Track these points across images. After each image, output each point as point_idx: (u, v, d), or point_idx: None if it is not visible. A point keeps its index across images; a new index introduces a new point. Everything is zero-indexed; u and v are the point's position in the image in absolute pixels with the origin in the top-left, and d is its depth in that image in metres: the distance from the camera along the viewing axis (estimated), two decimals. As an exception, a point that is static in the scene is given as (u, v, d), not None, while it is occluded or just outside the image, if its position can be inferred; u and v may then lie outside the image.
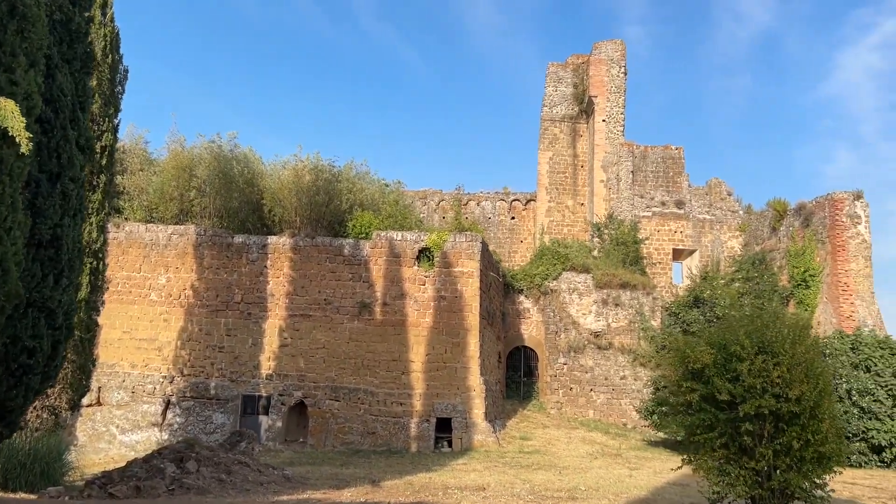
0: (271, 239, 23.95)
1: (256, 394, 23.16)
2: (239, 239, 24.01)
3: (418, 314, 23.18)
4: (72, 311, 12.46)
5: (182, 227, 24.25)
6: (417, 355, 22.94)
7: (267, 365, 23.29)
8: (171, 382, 23.22)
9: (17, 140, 7.21)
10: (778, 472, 7.99)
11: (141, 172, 25.36)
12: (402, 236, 23.68)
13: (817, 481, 8.29)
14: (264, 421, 22.95)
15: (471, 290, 23.22)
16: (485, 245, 24.61)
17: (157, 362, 23.45)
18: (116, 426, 22.82)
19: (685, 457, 9.11)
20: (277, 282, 23.73)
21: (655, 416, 23.55)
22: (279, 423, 22.68)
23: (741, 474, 8.11)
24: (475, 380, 22.73)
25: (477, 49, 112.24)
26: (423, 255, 23.61)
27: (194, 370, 23.36)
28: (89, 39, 13.21)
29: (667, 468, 18.77)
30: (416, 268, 23.46)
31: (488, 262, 25.73)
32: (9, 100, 7.08)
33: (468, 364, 22.83)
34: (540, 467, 18.01)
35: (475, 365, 22.87)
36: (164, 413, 22.92)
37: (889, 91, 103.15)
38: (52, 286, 11.71)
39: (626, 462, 20.11)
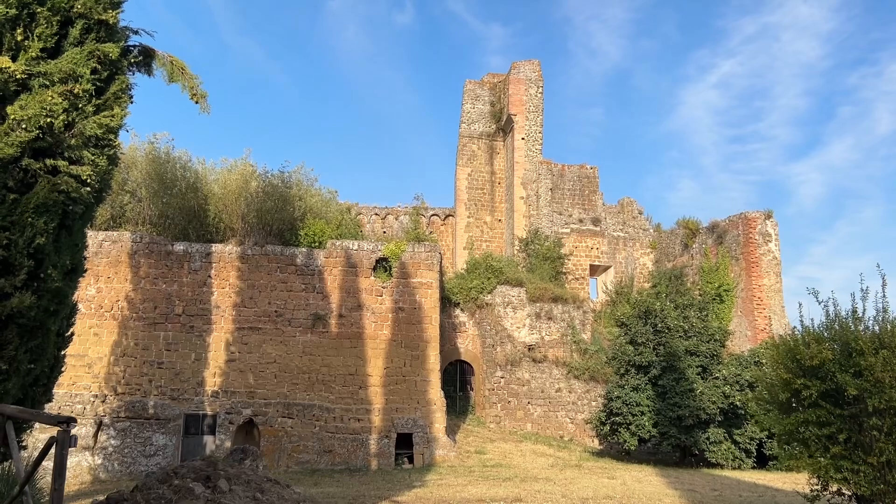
0: (216, 247, 22.49)
1: (201, 412, 21.57)
2: (180, 247, 22.38)
3: (376, 326, 22.45)
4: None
5: (115, 233, 22.31)
6: (375, 369, 22.18)
7: (212, 381, 21.77)
8: (103, 402, 21.19)
9: (193, 99, 6.20)
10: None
11: (65, 173, 23.11)
12: (359, 245, 22.92)
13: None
14: (210, 441, 21.40)
15: (430, 301, 22.77)
16: (441, 256, 24.28)
17: (87, 380, 21.36)
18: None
19: (784, 453, 9.18)
20: (223, 292, 22.29)
21: (607, 427, 23.93)
22: (227, 444, 21.17)
23: (861, 470, 8.25)
24: (435, 393, 22.26)
25: (344, 70, 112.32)
26: (380, 265, 22.95)
27: (130, 388, 21.45)
28: None
29: (640, 476, 19.10)
30: (373, 278, 22.74)
31: (442, 273, 25.41)
32: (175, 56, 6.11)
33: (428, 377, 22.33)
34: (525, 479, 17.77)
35: (435, 378, 22.41)
36: (95, 435, 20.86)
37: (725, 126, 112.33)
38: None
39: (594, 472, 20.19)
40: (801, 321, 9.74)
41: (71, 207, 6.70)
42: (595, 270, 38.59)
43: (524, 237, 36.27)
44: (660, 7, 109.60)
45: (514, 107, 39.22)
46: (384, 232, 39.76)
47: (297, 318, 22.29)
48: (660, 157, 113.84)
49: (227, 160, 23.91)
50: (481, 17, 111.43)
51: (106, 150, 6.70)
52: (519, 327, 30.29)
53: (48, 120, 6.10)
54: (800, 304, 9.69)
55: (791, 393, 8.99)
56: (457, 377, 30.36)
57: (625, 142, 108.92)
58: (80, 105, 6.38)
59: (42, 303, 7.35)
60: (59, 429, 6.03)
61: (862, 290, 9.08)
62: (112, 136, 6.72)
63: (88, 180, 6.57)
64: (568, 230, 37.89)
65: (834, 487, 9.02)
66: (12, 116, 6.07)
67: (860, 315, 9.11)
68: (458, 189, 40.60)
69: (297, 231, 23.18)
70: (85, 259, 8.40)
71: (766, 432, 22.60)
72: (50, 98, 6.08)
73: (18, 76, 5.99)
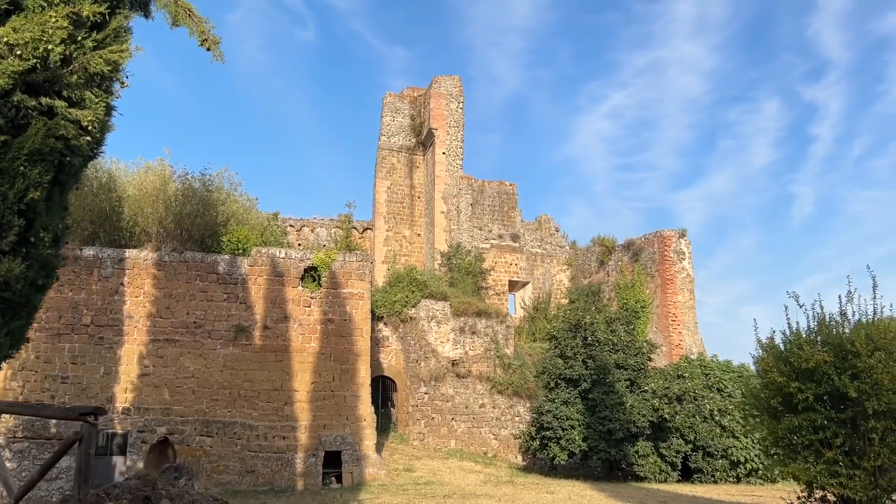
0: (130, 253, 20.89)
1: (110, 431, 19.85)
2: (89, 252, 20.66)
3: (303, 339, 21.38)
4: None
5: (15, 234, 20.37)
6: (302, 384, 21.08)
7: (123, 397, 20.11)
8: (-3, 421, 19.19)
9: (204, 45, 5.29)
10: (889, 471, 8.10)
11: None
12: (286, 254, 21.84)
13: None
14: (119, 462, 19.73)
15: (361, 312, 21.92)
16: (373, 266, 23.47)
17: (-21, 397, 19.30)
18: (-78, 478, 18.27)
19: (775, 459, 8.97)
20: (137, 301, 20.70)
21: (536, 442, 23.66)
22: (139, 464, 19.56)
23: (855, 474, 8.10)
24: (365, 409, 21.36)
25: (244, 84, 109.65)
26: (309, 274, 21.93)
27: (29, 405, 19.50)
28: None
29: (578, 492, 18.86)
30: (301, 288, 21.68)
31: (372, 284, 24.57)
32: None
33: (358, 392, 21.41)
34: (465, 496, 17.16)
35: (365, 393, 21.53)
36: (-12, 459, 18.80)
37: (616, 155, 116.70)
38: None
39: (529, 488, 19.77)
40: (789, 324, 9.68)
41: (68, 159, 5.58)
42: (514, 286, 38.60)
43: (446, 251, 35.83)
44: (555, 38, 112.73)
45: (436, 121, 38.88)
46: (299, 244, 38.43)
47: (218, 329, 20.95)
48: (555, 182, 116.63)
49: (143, 160, 22.37)
50: (383, 39, 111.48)
51: (106, 95, 5.65)
52: (443, 342, 29.71)
53: (47, 47, 5.04)
54: (786, 308, 9.65)
55: (783, 398, 8.85)
56: (379, 393, 29.44)
57: (522, 167, 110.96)
58: (79, 38, 5.34)
59: (30, 273, 5.98)
60: (82, 423, 4.89)
61: (849, 291, 9.11)
62: (118, 77, 5.70)
63: (90, 127, 5.48)
64: (488, 245, 37.78)
65: (819, 494, 8.91)
66: (5, 39, 4.98)
67: (849, 317, 9.12)
68: (377, 202, 39.85)
69: (219, 238, 21.85)
70: (68, 228, 7.17)
71: (691, 445, 22.92)
72: (53, 20, 5.04)
73: (10, -9, 4.95)
